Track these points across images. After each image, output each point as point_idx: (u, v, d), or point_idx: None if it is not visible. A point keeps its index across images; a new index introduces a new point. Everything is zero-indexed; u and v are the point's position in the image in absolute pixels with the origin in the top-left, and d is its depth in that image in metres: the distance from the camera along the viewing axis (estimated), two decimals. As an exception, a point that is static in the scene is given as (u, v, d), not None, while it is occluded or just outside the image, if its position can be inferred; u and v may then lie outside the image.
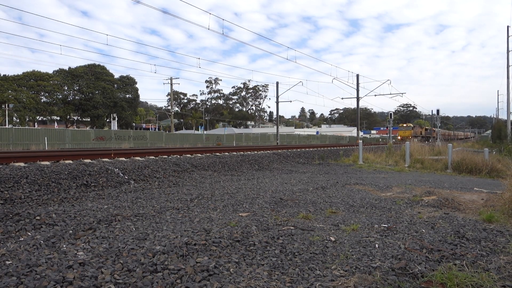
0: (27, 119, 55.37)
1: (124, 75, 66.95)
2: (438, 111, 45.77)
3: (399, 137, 53.77)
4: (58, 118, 64.11)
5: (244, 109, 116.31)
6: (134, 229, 4.35)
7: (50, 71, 59.89)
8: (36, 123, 62.36)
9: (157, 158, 11.01)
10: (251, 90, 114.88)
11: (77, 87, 61.05)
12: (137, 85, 68.29)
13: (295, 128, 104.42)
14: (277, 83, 34.55)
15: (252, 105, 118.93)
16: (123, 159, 10.26)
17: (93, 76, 61.16)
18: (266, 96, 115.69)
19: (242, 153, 15.25)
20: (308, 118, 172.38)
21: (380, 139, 75.25)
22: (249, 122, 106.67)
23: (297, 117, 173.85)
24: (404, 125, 59.60)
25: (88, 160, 9.22)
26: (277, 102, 36.90)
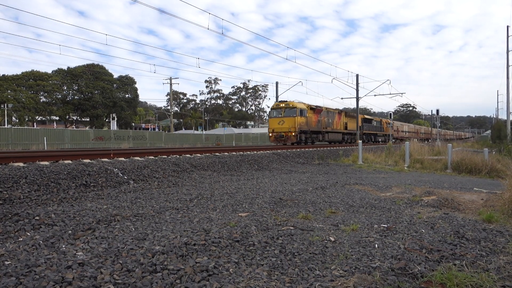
0: (26, 119, 55.34)
1: (123, 75, 66.94)
2: (437, 111, 45.85)
3: (270, 135, 24.91)
4: (57, 118, 64.07)
5: (244, 109, 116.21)
6: (133, 229, 4.35)
7: (48, 71, 59.98)
8: (35, 123, 62.32)
9: (156, 158, 11.00)
10: (251, 90, 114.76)
11: (76, 87, 61.02)
12: (136, 85, 68.28)
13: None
14: (277, 83, 34.53)
15: (251, 105, 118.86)
16: (123, 159, 10.25)
17: (92, 76, 61.15)
18: (266, 96, 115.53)
19: (242, 153, 15.24)
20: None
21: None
22: (248, 122, 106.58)
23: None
24: (281, 104, 25.00)
25: (88, 160, 9.20)
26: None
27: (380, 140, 42.56)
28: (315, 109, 26.74)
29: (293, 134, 23.24)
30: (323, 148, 23.35)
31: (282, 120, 24.20)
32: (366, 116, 39.93)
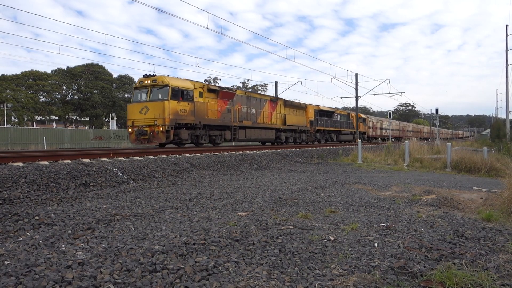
0: (26, 118, 55.26)
1: (122, 74, 66.92)
2: (437, 110, 45.81)
3: (130, 131, 15.38)
4: (57, 117, 64.00)
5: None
6: (133, 228, 4.35)
7: (47, 71, 59.83)
8: (34, 123, 62.25)
9: (156, 157, 11.00)
10: (250, 90, 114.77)
11: (76, 87, 60.95)
12: (135, 85, 68.09)
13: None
14: (276, 82, 34.52)
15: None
16: (122, 158, 10.25)
17: (91, 75, 61.07)
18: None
19: (241, 152, 15.24)
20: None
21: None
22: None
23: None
24: (146, 81, 15.49)
25: (87, 160, 9.20)
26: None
27: (346, 139, 34.02)
28: (219, 92, 17.85)
29: (161, 129, 14.37)
30: (323, 147, 23.36)
31: (145, 106, 15.05)
32: (323, 108, 29.93)
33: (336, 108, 34.45)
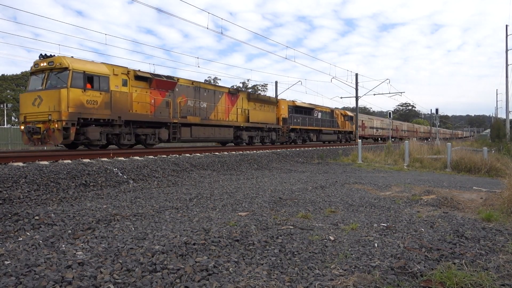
0: (26, 118, 55.28)
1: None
2: (437, 110, 45.76)
3: (22, 128, 11.70)
4: (57, 117, 63.97)
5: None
6: (133, 228, 4.35)
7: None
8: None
9: (156, 157, 11.00)
10: (250, 89, 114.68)
11: (76, 87, 60.98)
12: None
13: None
14: (276, 82, 34.50)
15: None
16: (122, 158, 10.25)
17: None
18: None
19: (241, 152, 15.24)
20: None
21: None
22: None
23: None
24: (42, 63, 11.89)
25: (87, 160, 9.20)
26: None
27: (328, 140, 30.58)
28: (152, 80, 14.39)
29: (57, 126, 11.10)
30: (323, 147, 23.36)
31: (39, 96, 11.65)
32: (299, 103, 26.13)
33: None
